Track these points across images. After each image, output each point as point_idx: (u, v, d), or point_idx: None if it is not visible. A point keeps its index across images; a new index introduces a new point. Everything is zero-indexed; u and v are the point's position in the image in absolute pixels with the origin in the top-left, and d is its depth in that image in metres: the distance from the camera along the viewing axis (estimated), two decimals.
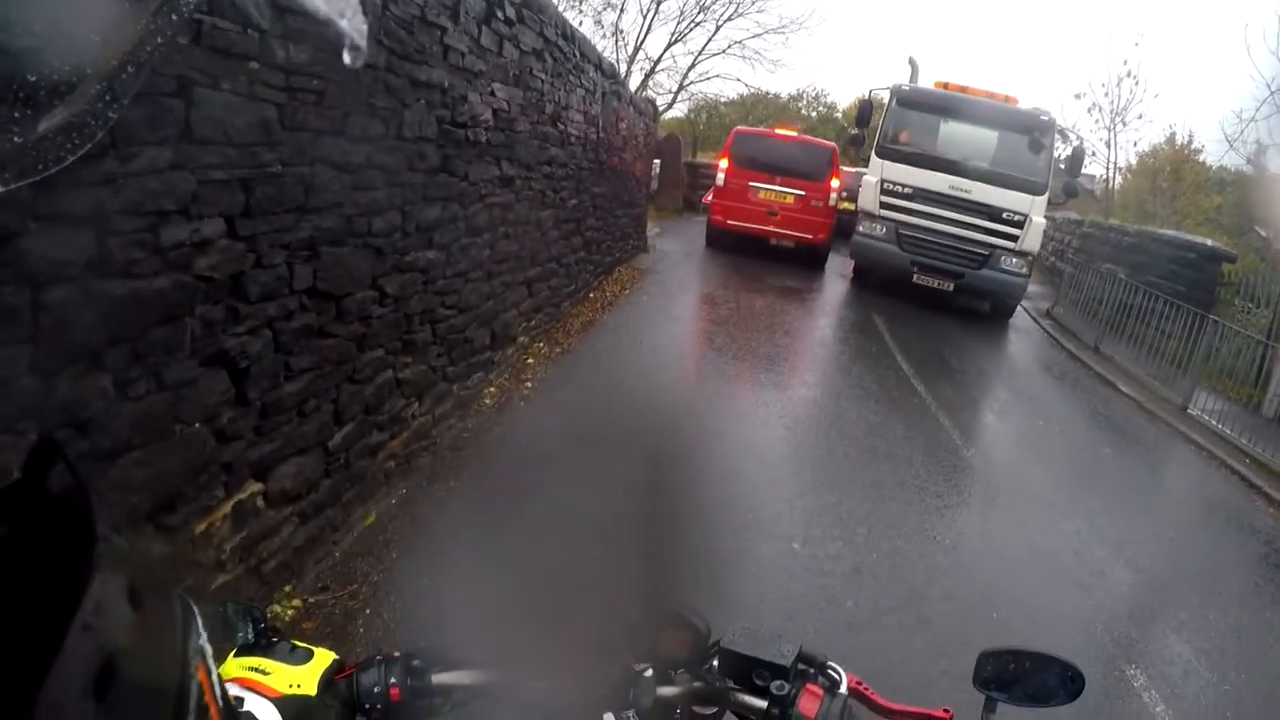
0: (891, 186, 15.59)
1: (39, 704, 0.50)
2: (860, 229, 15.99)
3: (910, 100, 16.05)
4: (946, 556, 5.68)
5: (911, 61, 17.63)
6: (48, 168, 1.99)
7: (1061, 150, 16.74)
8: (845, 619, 4.71)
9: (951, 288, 15.21)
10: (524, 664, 1.30)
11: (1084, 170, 17.37)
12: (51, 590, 0.55)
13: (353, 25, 3.84)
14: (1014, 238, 15.02)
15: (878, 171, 15.79)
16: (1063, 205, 18.95)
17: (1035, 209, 15.14)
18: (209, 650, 0.71)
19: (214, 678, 0.71)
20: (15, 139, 1.89)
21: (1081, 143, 17.31)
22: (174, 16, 2.30)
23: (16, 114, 1.93)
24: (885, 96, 16.65)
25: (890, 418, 8.53)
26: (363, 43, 3.95)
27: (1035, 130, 15.39)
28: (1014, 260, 15.13)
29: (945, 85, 16.42)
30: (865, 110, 17.44)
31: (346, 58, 3.88)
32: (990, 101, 15.93)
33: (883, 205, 15.58)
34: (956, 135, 15.78)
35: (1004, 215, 15.03)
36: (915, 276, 15.20)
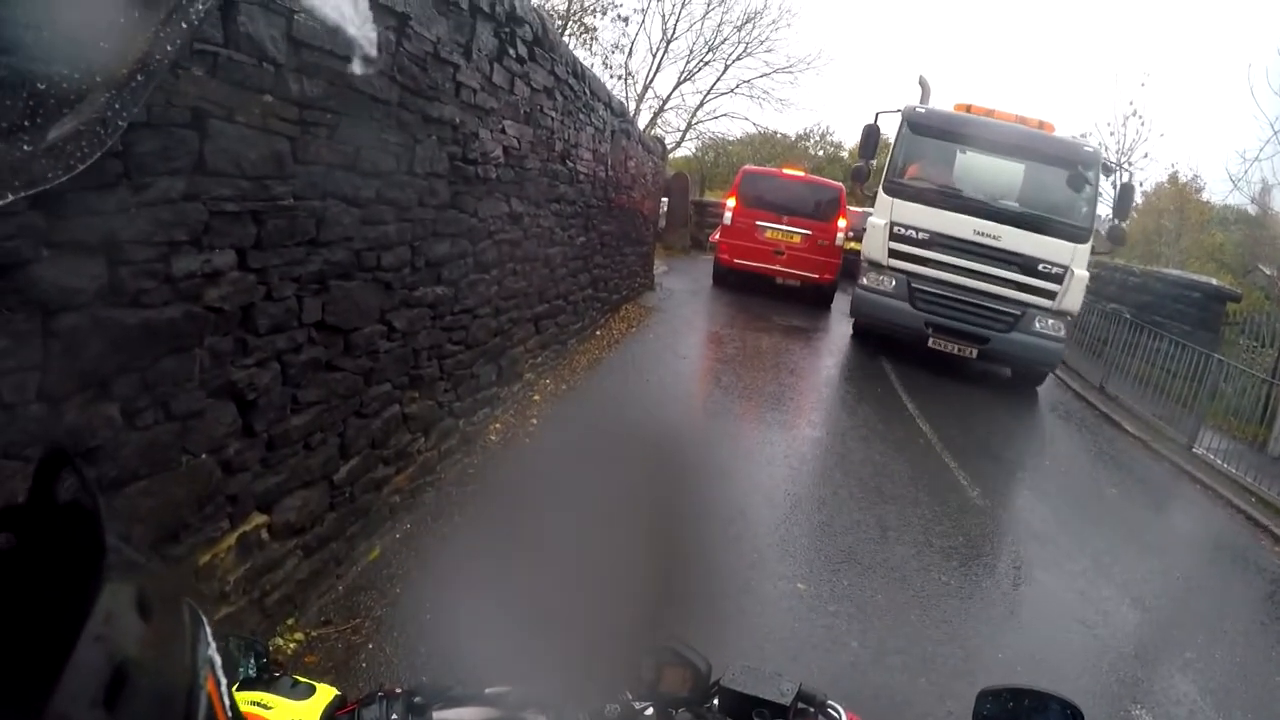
0: (903, 231, 12.93)
1: (49, 715, 0.50)
2: (864, 281, 13.42)
3: (925, 125, 13.29)
4: (952, 597, 5.64)
5: (922, 82, 14.85)
6: (58, 176, 2.01)
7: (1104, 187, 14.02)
8: (850, 659, 4.68)
9: (974, 354, 12.85)
10: (525, 701, 1.29)
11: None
12: (61, 600, 0.55)
13: (362, 33, 3.86)
14: (1051, 294, 12.51)
15: (886, 212, 13.13)
16: (1107, 254, 16.06)
17: (1077, 259, 12.53)
18: (218, 660, 0.71)
19: (223, 688, 0.71)
20: (25, 147, 1.90)
21: (1131, 178, 14.02)
22: (183, 24, 2.33)
23: (26, 122, 1.95)
24: (895, 121, 13.76)
25: (896, 458, 8.51)
26: (373, 51, 3.97)
27: (1078, 164, 12.72)
28: (1050, 321, 12.56)
29: (968, 108, 13.66)
30: (870, 138, 14.02)
31: (356, 67, 3.91)
32: (1022, 128, 13.15)
33: (892, 253, 13.02)
34: (982, 169, 13.20)
35: (1040, 267, 12.47)
36: (931, 340, 12.79)
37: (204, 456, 3.25)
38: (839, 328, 16.13)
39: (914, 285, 12.90)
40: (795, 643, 4.73)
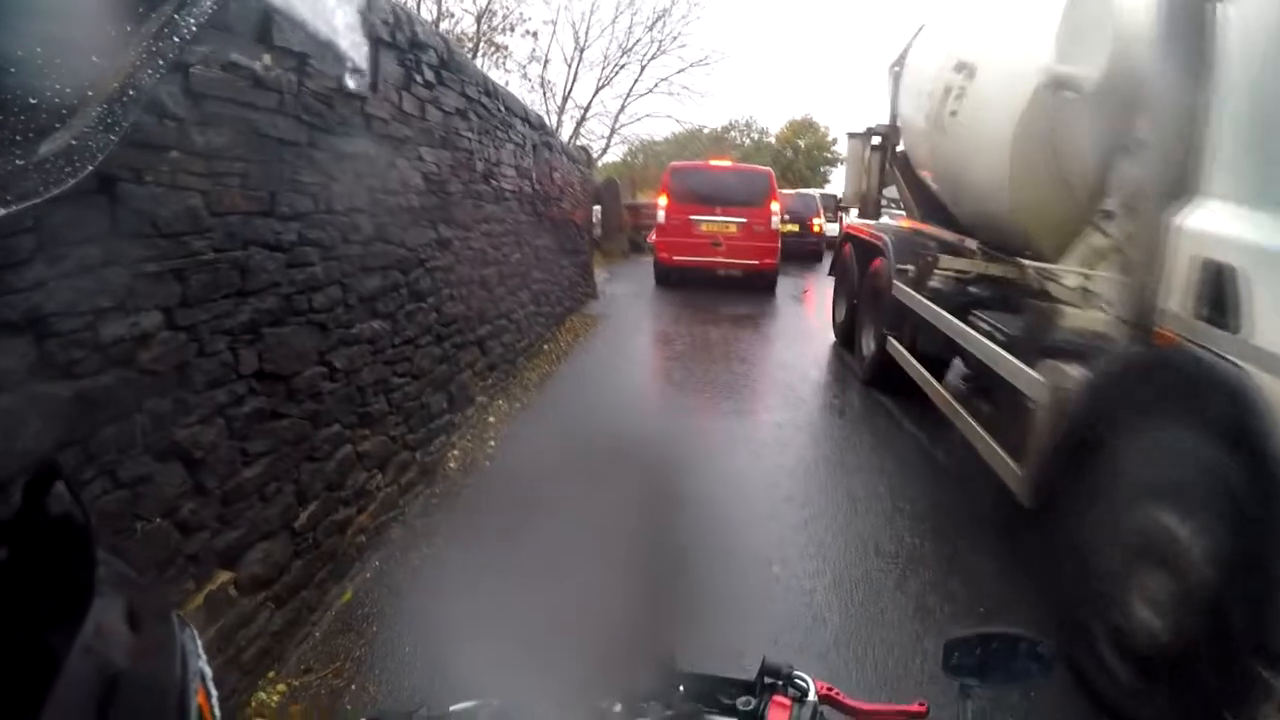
0: None
1: None
2: None
3: None
4: (925, 564, 5.68)
5: None
6: (49, 190, 2.00)
7: None
8: (832, 634, 4.70)
9: None
10: (495, 714, 1.32)
11: None
12: (53, 613, 0.55)
13: (353, 46, 3.82)
14: None
15: None
16: None
17: None
18: (209, 672, 0.72)
19: (213, 700, 0.72)
20: (17, 162, 1.88)
21: None
22: (175, 39, 2.31)
23: (18, 137, 1.93)
24: None
25: (857, 430, 8.59)
26: (365, 65, 3.92)
27: None
28: None
29: None
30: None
31: (350, 83, 3.86)
32: None
33: None
34: None
35: None
36: None
37: (158, 520, 3.22)
38: (786, 310, 16.24)
39: None
40: (775, 625, 4.74)
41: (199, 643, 0.71)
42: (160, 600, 0.74)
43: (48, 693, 0.52)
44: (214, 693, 0.72)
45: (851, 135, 11.47)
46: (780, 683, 1.42)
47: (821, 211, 25.88)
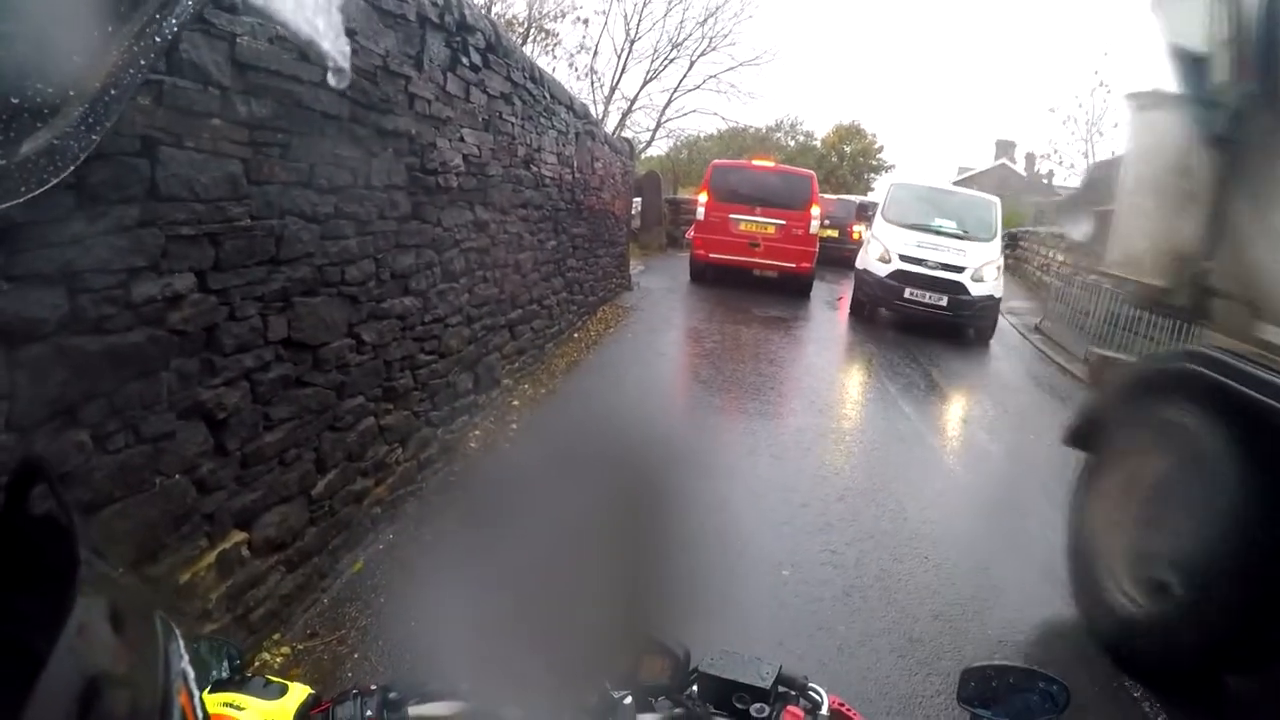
0: None
1: None
2: None
3: None
4: (936, 575, 5.69)
5: None
6: (31, 189, 2.03)
7: None
8: (837, 643, 4.71)
9: None
10: (503, 695, 1.30)
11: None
12: (34, 613, 0.57)
13: (335, 47, 3.87)
14: None
15: None
16: None
17: None
18: (191, 673, 0.73)
19: (196, 701, 0.73)
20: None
21: None
22: (156, 39, 2.35)
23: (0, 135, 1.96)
24: None
25: (884, 438, 8.57)
26: (346, 64, 3.98)
27: None
28: None
29: None
30: None
31: (331, 80, 3.92)
32: None
33: None
34: None
35: None
36: None
37: (177, 477, 3.29)
38: (819, 315, 16.16)
39: None
40: (781, 629, 4.75)
41: (181, 643, 0.73)
42: (144, 601, 0.75)
43: (29, 693, 0.52)
44: (196, 693, 0.74)
45: (1141, 102, 5.89)
46: (794, 693, 1.41)
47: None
